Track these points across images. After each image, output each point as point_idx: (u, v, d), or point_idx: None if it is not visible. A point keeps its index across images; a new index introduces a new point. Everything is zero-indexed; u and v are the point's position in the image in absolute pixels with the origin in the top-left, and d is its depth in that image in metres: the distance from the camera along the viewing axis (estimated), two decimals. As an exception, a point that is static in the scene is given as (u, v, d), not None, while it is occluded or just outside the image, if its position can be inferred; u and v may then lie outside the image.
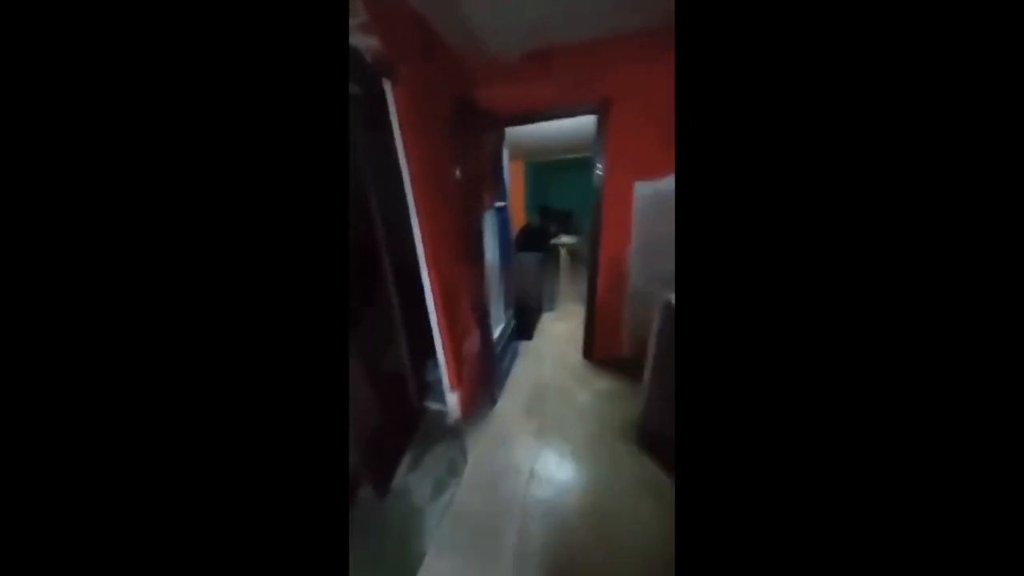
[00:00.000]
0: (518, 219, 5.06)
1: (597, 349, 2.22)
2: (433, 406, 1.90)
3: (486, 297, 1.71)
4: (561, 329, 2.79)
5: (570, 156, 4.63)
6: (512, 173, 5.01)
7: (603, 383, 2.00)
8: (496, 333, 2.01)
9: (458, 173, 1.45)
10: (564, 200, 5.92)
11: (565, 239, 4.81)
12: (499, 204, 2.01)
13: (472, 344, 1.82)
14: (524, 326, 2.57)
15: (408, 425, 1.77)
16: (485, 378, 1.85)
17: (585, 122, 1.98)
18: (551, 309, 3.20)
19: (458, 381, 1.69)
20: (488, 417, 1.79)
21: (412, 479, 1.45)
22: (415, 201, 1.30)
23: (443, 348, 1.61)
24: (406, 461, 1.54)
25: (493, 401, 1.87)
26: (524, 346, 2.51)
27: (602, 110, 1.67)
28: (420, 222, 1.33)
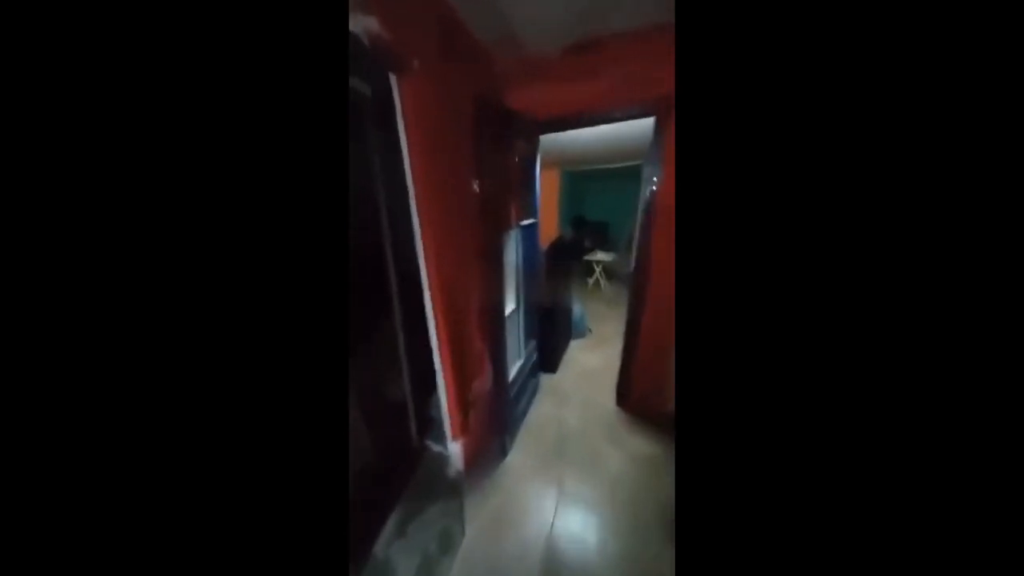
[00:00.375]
0: (551, 234, 4.79)
1: (635, 394, 1.86)
2: (434, 447, 1.66)
3: (503, 331, 1.45)
4: (591, 362, 2.45)
5: (615, 166, 4.28)
6: (546, 183, 4.79)
7: (642, 444, 1.64)
8: (514, 370, 1.73)
9: (476, 186, 1.21)
10: (602, 211, 5.57)
11: (600, 255, 4.44)
12: (527, 222, 1.75)
13: (483, 383, 1.56)
14: (548, 356, 2.26)
15: (403, 469, 1.54)
16: (495, 423, 1.58)
17: (630, 127, 1.68)
18: (580, 336, 2.87)
19: (462, 430, 1.44)
20: (496, 472, 1.51)
21: (396, 551, 1.20)
22: (420, 217, 1.08)
23: (446, 392, 1.36)
24: (392, 522, 1.30)
25: (503, 452, 1.59)
26: (546, 380, 2.21)
27: (663, 111, 1.36)
28: (425, 243, 1.10)
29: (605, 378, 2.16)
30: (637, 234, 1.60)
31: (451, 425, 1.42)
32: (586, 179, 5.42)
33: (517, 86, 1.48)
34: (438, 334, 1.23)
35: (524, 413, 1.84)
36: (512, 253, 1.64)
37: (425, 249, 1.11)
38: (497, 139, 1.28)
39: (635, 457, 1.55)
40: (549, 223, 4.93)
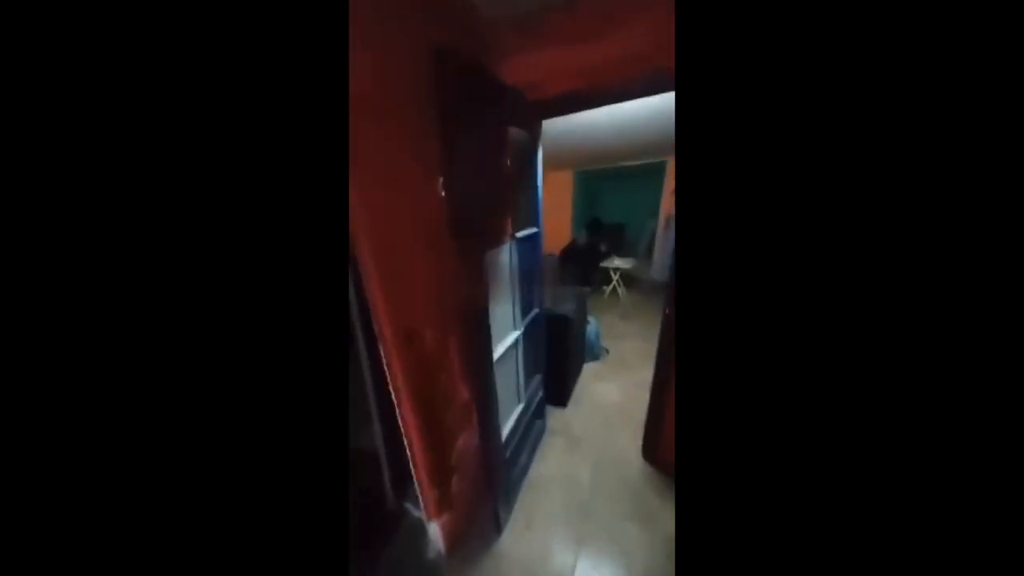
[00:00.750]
0: (564, 239, 4.42)
1: (669, 441, 1.47)
2: (414, 512, 1.33)
3: (491, 375, 1.10)
4: (608, 394, 2.06)
5: (632, 163, 3.87)
6: (559, 185, 4.42)
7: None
8: (511, 421, 1.38)
9: (442, 188, 0.87)
10: (619, 213, 5.16)
11: (618, 261, 4.02)
12: (526, 232, 1.40)
13: (468, 442, 1.22)
14: (556, 386, 1.90)
15: (373, 541, 1.22)
16: (486, 491, 1.23)
17: (652, 116, 1.31)
18: (595, 358, 2.48)
19: (439, 508, 1.10)
20: (487, 556, 1.16)
21: None
22: (358, 232, 0.74)
23: (413, 462, 1.02)
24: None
25: (498, 527, 1.24)
26: (554, 415, 1.85)
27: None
28: (365, 264, 0.77)
29: (626, 416, 1.79)
30: (662, 236, 1.23)
31: (425, 504, 1.08)
32: (601, 179, 5.04)
33: (507, 51, 1.14)
34: (396, 395, 0.90)
35: (525, 470, 1.48)
36: (506, 272, 1.30)
37: (365, 275, 0.78)
38: (478, 124, 0.94)
39: (672, 541, 1.16)
40: (563, 228, 4.56)
